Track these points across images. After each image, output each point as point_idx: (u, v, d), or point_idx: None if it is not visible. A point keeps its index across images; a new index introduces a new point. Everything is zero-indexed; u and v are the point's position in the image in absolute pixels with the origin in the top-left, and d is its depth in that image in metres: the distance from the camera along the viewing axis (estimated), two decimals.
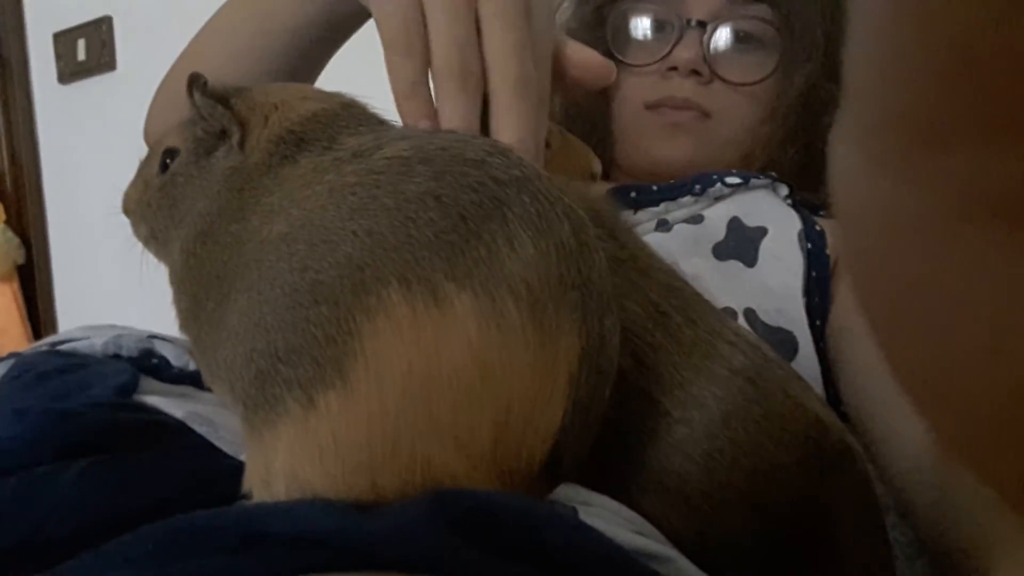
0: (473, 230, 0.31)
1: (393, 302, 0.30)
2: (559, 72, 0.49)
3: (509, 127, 0.43)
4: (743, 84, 0.71)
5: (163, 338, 0.51)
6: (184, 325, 0.41)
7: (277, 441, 0.31)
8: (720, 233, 0.63)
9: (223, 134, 0.42)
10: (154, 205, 0.44)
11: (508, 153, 0.34)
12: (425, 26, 0.44)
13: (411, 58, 0.44)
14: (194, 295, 0.39)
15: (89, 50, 1.95)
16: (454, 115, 0.43)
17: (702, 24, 0.70)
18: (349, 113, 0.41)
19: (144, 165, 0.47)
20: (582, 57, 0.51)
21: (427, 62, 0.44)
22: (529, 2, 0.46)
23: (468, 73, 0.44)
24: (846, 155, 0.18)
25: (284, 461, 0.31)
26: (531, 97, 0.45)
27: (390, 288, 0.30)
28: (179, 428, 0.40)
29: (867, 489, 0.41)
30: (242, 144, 0.40)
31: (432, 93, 0.44)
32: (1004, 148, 0.14)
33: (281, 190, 0.36)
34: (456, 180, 0.32)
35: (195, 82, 0.42)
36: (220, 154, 0.41)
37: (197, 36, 0.68)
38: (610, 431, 0.37)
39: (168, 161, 0.44)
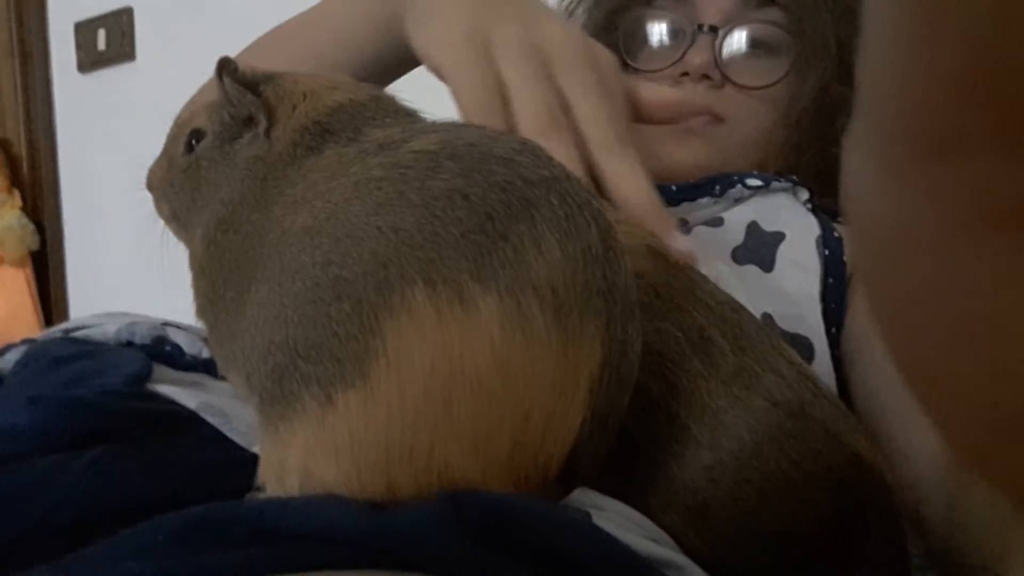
0: (500, 230, 0.30)
1: (417, 301, 0.29)
2: (634, 112, 0.51)
3: (630, 189, 0.45)
4: (755, 88, 0.71)
5: (177, 326, 0.51)
6: (201, 312, 0.41)
7: (292, 437, 0.31)
8: (739, 237, 0.62)
9: (250, 121, 0.41)
10: (177, 186, 0.44)
11: (537, 152, 0.34)
12: (503, 93, 0.46)
13: (495, 121, 0.45)
14: (213, 282, 0.39)
15: (109, 40, 1.96)
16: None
17: (714, 29, 0.70)
18: (377, 104, 0.40)
19: (170, 143, 0.47)
20: (655, 97, 0.52)
21: (508, 125, 0.46)
22: (600, 66, 0.48)
23: (563, 127, 0.45)
24: (859, 161, 0.18)
25: (299, 457, 0.31)
26: (635, 156, 0.47)
27: (415, 287, 0.29)
28: (192, 419, 0.40)
29: (896, 524, 0.40)
30: (268, 133, 0.40)
31: None
32: (1016, 157, 0.14)
33: (305, 181, 0.36)
34: (484, 178, 0.31)
35: (225, 66, 0.41)
36: (245, 141, 0.41)
37: (245, 54, 0.70)
38: (635, 447, 0.37)
39: (194, 142, 0.43)
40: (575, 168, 0.43)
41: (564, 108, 0.46)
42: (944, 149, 0.15)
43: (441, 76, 0.48)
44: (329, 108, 0.40)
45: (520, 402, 0.29)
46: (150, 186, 0.48)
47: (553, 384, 0.30)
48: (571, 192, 0.32)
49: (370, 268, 0.30)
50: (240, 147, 0.41)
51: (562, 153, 0.43)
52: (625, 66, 0.75)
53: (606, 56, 0.50)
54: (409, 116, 0.41)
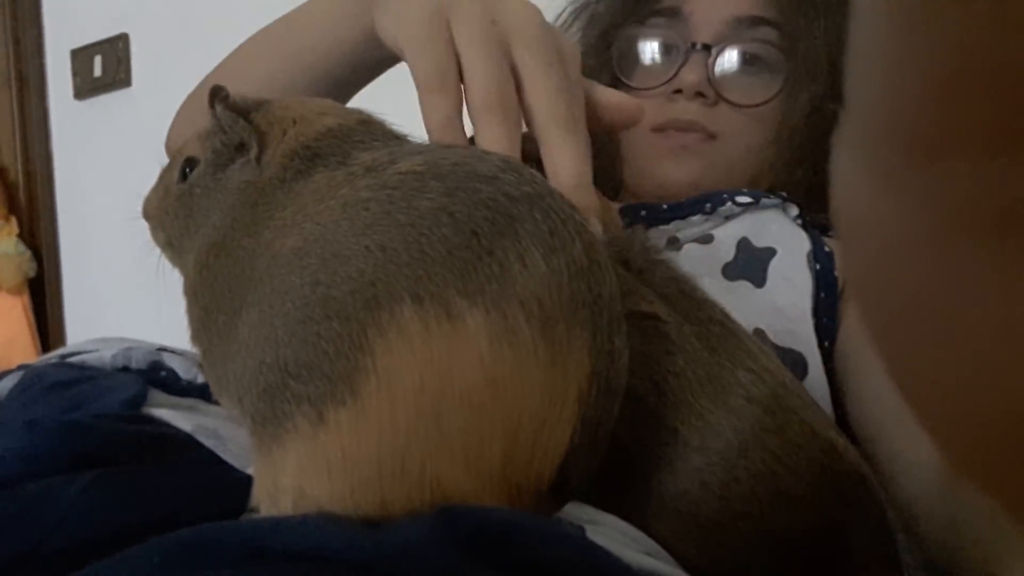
0: (486, 247, 0.30)
1: (406, 318, 0.29)
2: (589, 116, 0.50)
3: (566, 163, 0.44)
4: (748, 106, 0.71)
5: (172, 351, 0.52)
6: (195, 336, 0.41)
7: (285, 457, 0.31)
8: (730, 253, 0.63)
9: (241, 147, 0.42)
10: (171, 213, 0.45)
11: (521, 169, 0.34)
12: (458, 66, 0.45)
13: (446, 95, 0.45)
14: (206, 307, 0.39)
15: (105, 67, 1.97)
16: (495, 147, 0.43)
17: (707, 47, 0.70)
18: (365, 129, 0.41)
19: (166, 171, 0.48)
20: (612, 100, 0.52)
21: (461, 100, 0.45)
22: (561, 50, 0.48)
23: (509, 107, 0.45)
24: (847, 167, 0.18)
25: (292, 477, 0.31)
26: (581, 135, 0.46)
27: (403, 304, 0.29)
28: (187, 441, 0.40)
29: (881, 515, 0.40)
30: (259, 158, 0.41)
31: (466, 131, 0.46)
32: (1007, 159, 0.14)
33: (294, 205, 0.36)
34: (469, 196, 0.32)
35: (217, 94, 0.42)
36: (236, 167, 0.42)
37: (232, 56, 0.70)
38: (626, 455, 0.37)
39: (187, 170, 0.44)
40: (512, 149, 0.43)
41: (518, 88, 0.46)
42: (934, 152, 0.15)
43: (400, 53, 0.48)
44: (318, 133, 0.40)
45: (510, 415, 0.30)
46: (146, 215, 0.48)
47: (542, 396, 0.30)
48: (554, 207, 0.32)
49: (358, 287, 0.30)
50: (231, 173, 0.42)
51: (501, 132, 0.44)
52: (619, 84, 0.76)
53: (570, 46, 0.50)
54: (397, 139, 0.42)
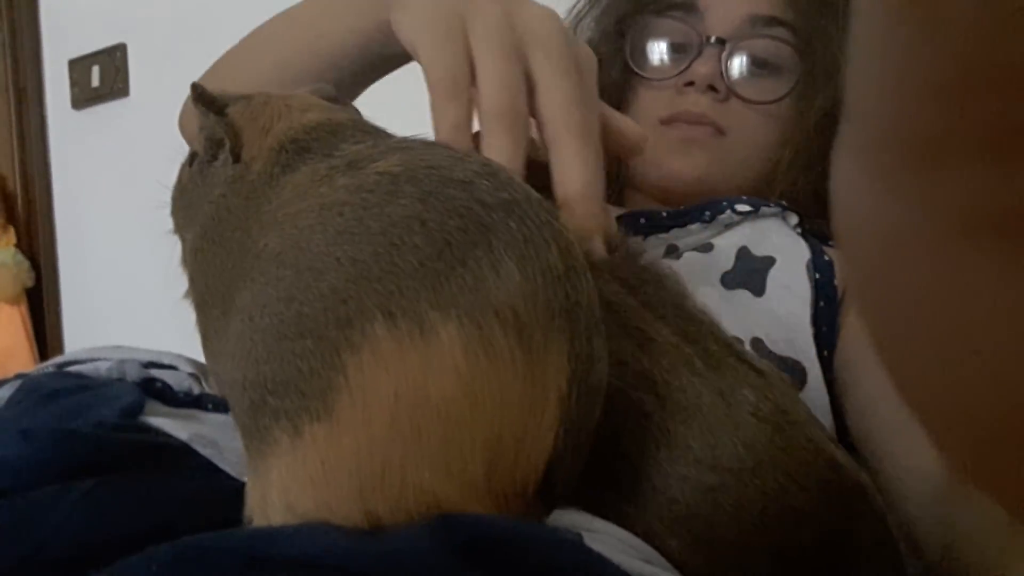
0: (458, 257, 0.30)
1: (378, 336, 0.29)
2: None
3: (576, 171, 0.44)
4: (759, 103, 0.71)
5: (161, 366, 0.51)
6: (197, 320, 0.41)
7: (269, 472, 0.31)
8: (729, 262, 0.62)
9: (221, 143, 0.42)
10: (176, 202, 0.46)
11: (498, 174, 0.34)
12: (472, 71, 0.45)
13: (457, 101, 0.44)
14: (202, 293, 0.40)
15: (103, 76, 1.97)
16: (500, 155, 0.42)
17: (721, 42, 0.70)
18: (354, 124, 0.41)
19: (183, 165, 0.49)
20: (620, 125, 0.51)
21: (471, 107, 0.45)
22: (579, 60, 0.47)
23: (517, 115, 0.44)
24: (847, 171, 0.18)
25: (279, 493, 0.31)
26: (592, 145, 0.45)
27: (375, 322, 0.29)
28: (184, 450, 0.40)
29: (883, 525, 0.40)
30: (237, 155, 0.41)
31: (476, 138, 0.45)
32: (1007, 164, 0.14)
33: (279, 199, 0.36)
34: (442, 204, 0.31)
35: (194, 90, 0.43)
36: (220, 162, 0.42)
37: (244, 42, 0.69)
38: (638, 471, 0.37)
39: (190, 165, 0.45)
40: (514, 160, 0.43)
41: (531, 92, 0.46)
42: (934, 156, 0.15)
43: (413, 53, 0.47)
44: (306, 127, 0.40)
45: (490, 424, 0.29)
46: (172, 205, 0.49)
47: (522, 403, 0.30)
48: (530, 214, 0.32)
49: (330, 304, 0.30)
50: (216, 167, 0.42)
51: (506, 142, 0.43)
52: (631, 73, 0.76)
53: (588, 56, 0.49)
54: (387, 136, 0.41)
